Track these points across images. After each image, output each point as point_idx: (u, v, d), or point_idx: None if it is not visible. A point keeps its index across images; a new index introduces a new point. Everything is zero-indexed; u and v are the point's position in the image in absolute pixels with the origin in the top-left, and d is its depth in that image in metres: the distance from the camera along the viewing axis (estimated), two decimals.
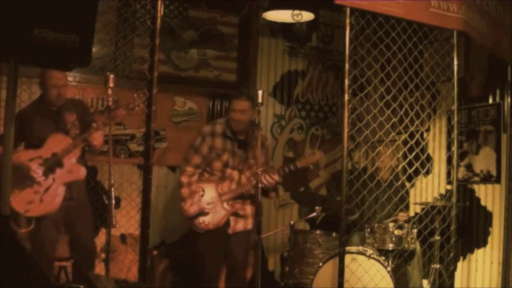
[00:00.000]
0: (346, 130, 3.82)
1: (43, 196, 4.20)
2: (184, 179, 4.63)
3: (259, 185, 3.91)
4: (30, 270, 2.08)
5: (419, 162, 4.43)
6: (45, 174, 4.20)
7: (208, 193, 4.62)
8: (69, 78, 5.39)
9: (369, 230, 4.93)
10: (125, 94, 5.11)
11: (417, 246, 5.12)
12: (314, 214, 5.06)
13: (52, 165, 4.23)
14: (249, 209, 4.71)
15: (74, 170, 4.28)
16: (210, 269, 4.67)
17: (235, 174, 4.64)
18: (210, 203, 4.59)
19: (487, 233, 5.48)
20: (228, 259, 4.73)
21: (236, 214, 4.67)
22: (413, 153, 4.35)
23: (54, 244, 4.34)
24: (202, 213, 4.60)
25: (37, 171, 4.17)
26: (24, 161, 4.19)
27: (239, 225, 4.68)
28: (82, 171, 4.32)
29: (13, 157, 4.21)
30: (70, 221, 4.36)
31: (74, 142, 4.20)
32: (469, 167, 5.67)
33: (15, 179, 4.23)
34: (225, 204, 4.61)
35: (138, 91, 3.79)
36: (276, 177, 4.52)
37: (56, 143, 4.26)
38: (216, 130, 4.62)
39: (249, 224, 4.70)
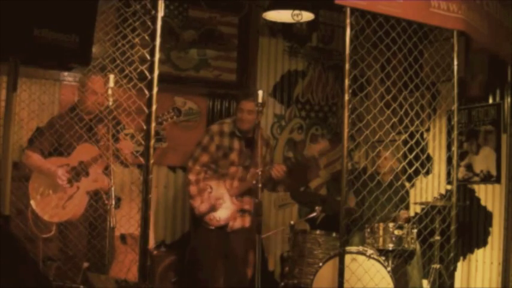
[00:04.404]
0: (346, 130, 3.82)
1: (66, 203, 4.21)
2: (192, 177, 4.74)
3: (259, 184, 3.97)
4: (30, 270, 2.08)
5: (419, 162, 4.43)
6: (70, 181, 4.22)
7: (217, 190, 4.73)
8: (69, 78, 5.41)
9: (369, 230, 4.93)
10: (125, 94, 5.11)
11: (417, 246, 5.12)
12: (314, 214, 5.06)
13: (78, 173, 4.24)
14: (247, 207, 4.79)
15: (99, 179, 4.28)
16: (206, 267, 4.75)
17: (241, 171, 4.73)
18: (219, 199, 4.68)
19: (487, 233, 5.48)
20: (227, 258, 4.77)
21: (243, 210, 4.77)
22: (414, 153, 4.35)
23: (81, 249, 4.30)
24: (213, 209, 4.70)
25: (62, 177, 4.19)
26: (51, 167, 4.21)
27: (237, 223, 4.74)
28: (107, 182, 4.29)
29: (41, 163, 4.26)
30: (95, 229, 4.32)
31: (102, 152, 4.17)
32: (469, 167, 5.67)
33: (41, 184, 4.25)
34: (234, 200, 4.72)
35: (138, 91, 3.78)
36: (284, 167, 4.64)
37: (84, 152, 4.27)
38: (224, 129, 4.77)
39: (247, 221, 4.77)
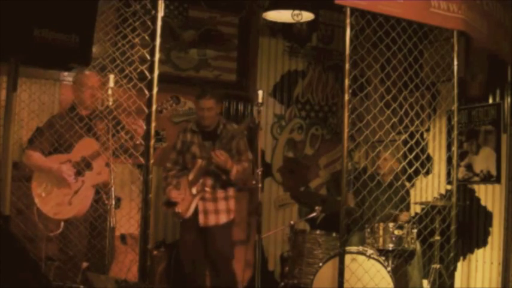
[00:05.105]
0: (346, 130, 3.82)
1: (72, 199, 4.19)
2: (163, 174, 4.97)
3: (259, 184, 3.97)
4: (30, 270, 2.08)
5: (419, 162, 4.43)
6: (76, 175, 4.21)
7: (182, 185, 4.83)
8: (69, 78, 5.40)
9: (369, 230, 4.93)
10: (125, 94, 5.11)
11: (417, 246, 5.12)
12: (314, 214, 5.06)
13: (81, 167, 4.22)
14: (222, 204, 4.82)
15: (103, 172, 4.25)
16: (187, 262, 4.83)
17: (204, 163, 4.77)
18: (180, 193, 4.78)
19: (487, 233, 5.48)
20: (209, 256, 4.83)
21: (216, 209, 4.79)
22: (414, 153, 4.35)
23: (81, 249, 4.27)
24: (172, 203, 4.79)
25: (69, 172, 4.17)
26: (53, 165, 4.19)
27: (210, 220, 4.76)
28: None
29: (42, 162, 4.25)
30: (95, 229, 4.30)
31: (106, 145, 4.12)
32: (469, 167, 5.67)
33: (44, 183, 4.24)
34: (193, 190, 4.76)
35: (138, 91, 3.79)
36: (224, 153, 4.64)
37: (84, 146, 4.26)
38: (187, 127, 5.02)
39: (221, 218, 4.80)
